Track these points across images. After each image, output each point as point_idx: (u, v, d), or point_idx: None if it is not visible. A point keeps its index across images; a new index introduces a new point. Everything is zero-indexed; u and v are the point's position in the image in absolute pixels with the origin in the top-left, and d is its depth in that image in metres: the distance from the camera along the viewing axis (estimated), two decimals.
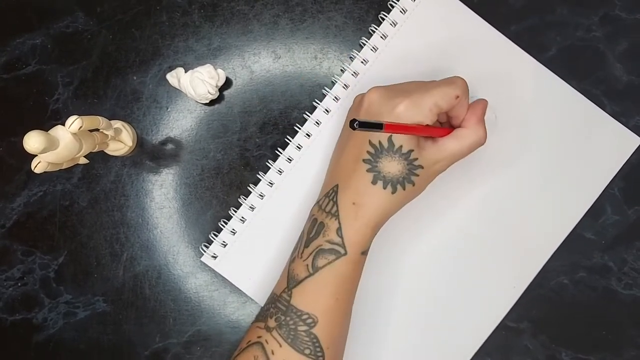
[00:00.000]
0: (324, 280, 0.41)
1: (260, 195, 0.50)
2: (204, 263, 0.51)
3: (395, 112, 0.40)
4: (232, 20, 0.51)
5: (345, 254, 0.41)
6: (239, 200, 0.50)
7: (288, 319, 0.41)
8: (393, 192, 0.41)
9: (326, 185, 0.44)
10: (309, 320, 0.41)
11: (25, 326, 0.52)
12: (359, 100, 0.44)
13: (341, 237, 0.41)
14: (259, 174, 0.50)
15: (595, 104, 0.49)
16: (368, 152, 0.41)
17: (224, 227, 0.50)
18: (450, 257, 0.50)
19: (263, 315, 0.43)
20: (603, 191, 0.50)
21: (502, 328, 0.50)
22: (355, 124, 0.34)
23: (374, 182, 0.41)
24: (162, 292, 0.51)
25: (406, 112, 0.40)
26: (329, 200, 0.43)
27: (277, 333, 0.41)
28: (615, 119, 0.49)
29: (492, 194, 0.50)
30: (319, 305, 0.41)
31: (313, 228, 0.43)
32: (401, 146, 0.41)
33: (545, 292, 0.50)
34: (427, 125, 0.41)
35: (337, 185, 0.43)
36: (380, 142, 0.41)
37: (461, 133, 0.42)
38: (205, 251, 0.51)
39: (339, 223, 0.42)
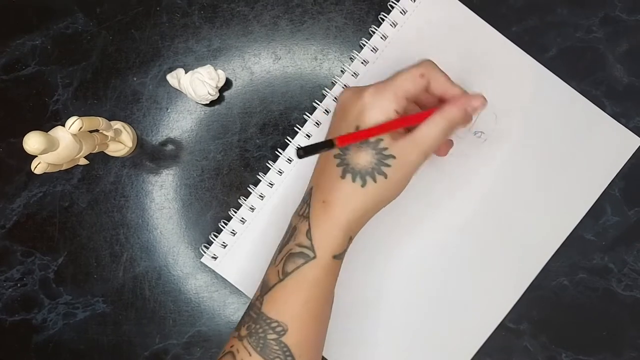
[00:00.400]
0: (292, 286, 0.39)
1: (260, 196, 0.50)
2: (204, 264, 0.51)
3: (361, 102, 0.39)
4: (232, 22, 0.51)
5: (315, 257, 0.39)
6: (239, 201, 0.50)
7: (258, 327, 0.40)
8: (363, 185, 0.39)
9: (306, 190, 0.43)
10: (279, 329, 0.39)
11: (24, 327, 0.52)
12: (335, 106, 0.43)
13: (310, 239, 0.39)
14: (259, 175, 0.50)
15: (596, 104, 0.49)
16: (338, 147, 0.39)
17: (224, 227, 0.50)
18: (450, 257, 0.50)
19: (239, 324, 0.42)
20: (603, 192, 0.49)
21: (502, 329, 0.50)
22: (301, 152, 0.31)
23: (342, 176, 0.39)
24: (162, 293, 0.51)
25: (371, 99, 0.39)
26: (304, 203, 0.41)
27: (247, 342, 0.40)
28: (616, 120, 0.49)
29: (492, 195, 0.50)
30: (288, 312, 0.39)
31: (287, 233, 0.42)
32: None
33: (545, 293, 0.50)
34: (395, 120, 0.39)
35: (312, 187, 0.41)
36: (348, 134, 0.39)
37: (432, 118, 0.39)
38: (205, 252, 0.51)
39: (309, 224, 0.40)
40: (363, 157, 0.39)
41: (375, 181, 0.39)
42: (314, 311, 0.40)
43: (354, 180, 0.39)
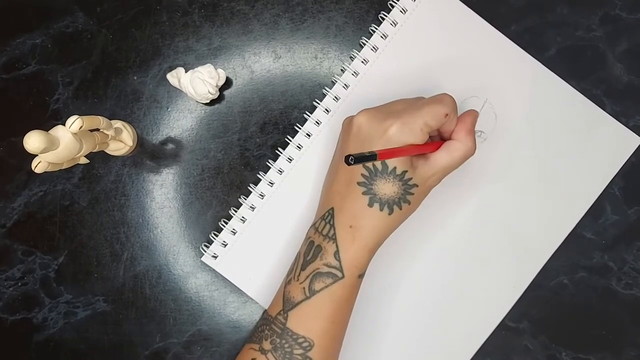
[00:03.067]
0: (320, 304, 0.41)
1: (260, 195, 0.50)
2: (205, 263, 0.51)
3: (387, 135, 0.40)
4: (233, 20, 0.51)
5: (343, 277, 0.41)
6: (240, 200, 0.50)
7: (284, 342, 0.41)
8: (390, 213, 0.41)
9: (321, 208, 0.44)
10: (305, 344, 0.41)
11: (25, 326, 0.52)
12: (348, 123, 0.44)
13: (339, 260, 0.41)
14: (259, 174, 0.50)
15: (596, 103, 0.49)
16: (362, 174, 0.41)
17: (224, 227, 0.50)
18: (450, 257, 0.50)
19: (257, 336, 0.43)
20: (603, 191, 0.50)
21: (502, 328, 0.50)
22: (351, 160, 0.34)
23: (370, 205, 0.41)
24: (163, 292, 0.51)
25: (398, 134, 0.40)
26: (325, 223, 0.43)
27: (272, 356, 0.41)
28: (616, 119, 0.49)
29: (492, 194, 0.50)
30: (315, 328, 0.41)
31: (310, 250, 0.43)
32: (395, 168, 0.41)
33: (545, 292, 0.50)
34: (420, 144, 0.41)
35: (332, 208, 0.43)
36: (374, 165, 0.41)
37: (451, 146, 0.42)
38: (205, 251, 0.51)
39: (337, 246, 0.41)
40: (390, 189, 0.41)
41: (400, 209, 0.42)
42: (338, 327, 0.43)
43: (381, 209, 0.41)
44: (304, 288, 0.42)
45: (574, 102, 0.49)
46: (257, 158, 0.51)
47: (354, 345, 0.50)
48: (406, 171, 0.41)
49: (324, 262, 0.42)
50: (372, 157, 0.36)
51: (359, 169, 0.41)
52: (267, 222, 0.50)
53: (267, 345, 0.42)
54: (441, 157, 0.42)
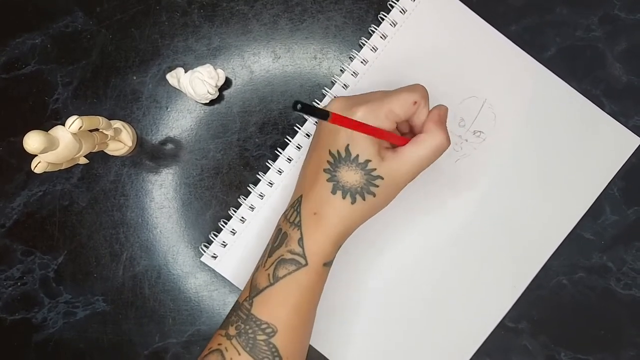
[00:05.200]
0: (284, 290, 0.41)
1: (260, 195, 0.50)
2: (204, 263, 0.51)
3: (353, 118, 0.40)
4: (232, 20, 0.51)
5: (306, 264, 0.41)
6: (239, 200, 0.50)
7: (248, 327, 0.41)
8: (352, 202, 0.41)
9: (293, 196, 0.44)
10: (269, 330, 0.41)
11: (25, 326, 0.52)
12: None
13: (302, 247, 0.41)
14: (258, 174, 0.50)
15: (595, 103, 0.49)
16: (328, 161, 0.41)
17: (223, 227, 0.50)
18: (449, 256, 0.50)
19: (225, 323, 0.43)
20: (602, 191, 0.50)
21: (502, 328, 0.50)
22: (298, 106, 0.31)
23: (333, 192, 0.41)
24: (162, 292, 0.51)
25: (363, 117, 0.40)
26: (293, 210, 0.43)
27: (236, 341, 0.41)
28: (615, 119, 0.49)
29: (491, 194, 0.50)
30: (278, 315, 0.41)
31: (277, 238, 0.43)
32: (357, 155, 0.40)
33: (544, 292, 0.50)
34: (385, 131, 0.41)
35: (301, 196, 0.43)
36: (338, 151, 0.41)
37: (419, 138, 0.41)
38: (205, 251, 0.51)
39: (301, 233, 0.41)
40: (353, 177, 0.40)
41: (364, 199, 0.41)
42: (302, 314, 0.42)
43: (344, 197, 0.41)
44: (268, 274, 0.41)
45: (573, 102, 0.49)
46: (256, 158, 0.51)
47: (352, 346, 0.50)
48: (369, 160, 0.40)
49: (288, 248, 0.41)
50: (322, 113, 0.34)
51: (325, 155, 0.41)
52: (266, 222, 0.50)
53: (232, 330, 0.42)
54: (408, 149, 0.41)
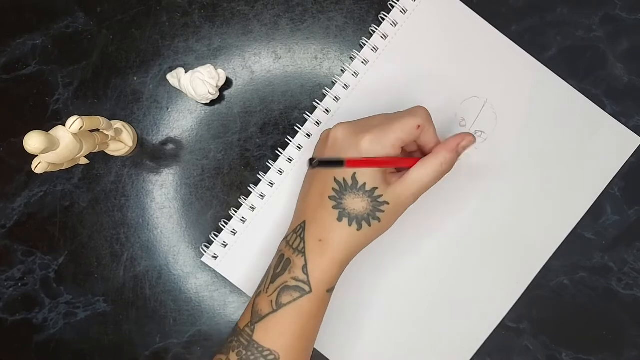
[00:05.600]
0: (287, 318, 0.41)
1: (260, 195, 0.50)
2: (205, 263, 0.51)
3: (359, 148, 0.40)
4: (233, 21, 0.51)
5: (310, 291, 0.41)
6: (240, 200, 0.50)
7: (249, 354, 0.41)
8: (359, 229, 0.41)
9: (294, 222, 0.44)
10: (271, 357, 0.41)
11: (25, 326, 0.52)
12: (325, 135, 0.44)
13: (307, 274, 0.41)
14: (259, 174, 0.50)
15: (596, 103, 0.49)
16: (333, 188, 0.41)
17: (224, 227, 0.50)
18: (450, 256, 0.50)
19: (226, 347, 0.43)
20: (603, 191, 0.50)
21: (502, 328, 0.50)
22: (314, 162, 0.33)
23: (339, 219, 0.41)
24: (163, 293, 0.51)
25: (370, 146, 0.40)
26: (296, 236, 0.43)
27: None
28: (616, 119, 0.49)
29: (492, 194, 0.50)
30: (281, 342, 0.41)
31: (280, 264, 0.43)
32: (365, 183, 0.40)
33: (545, 292, 0.50)
34: (391, 157, 0.41)
35: (304, 222, 0.43)
36: (344, 179, 0.41)
37: (424, 161, 0.42)
38: (205, 251, 0.51)
39: (305, 260, 0.41)
40: (359, 204, 0.41)
41: (369, 225, 0.41)
42: (305, 341, 0.42)
43: (350, 224, 0.41)
44: (271, 301, 0.41)
45: (574, 102, 0.49)
46: (257, 158, 0.51)
47: (352, 346, 0.50)
48: (376, 188, 0.41)
49: (292, 275, 0.41)
50: (339, 163, 0.36)
51: (330, 182, 0.41)
52: (267, 222, 0.50)
53: (233, 356, 0.41)
54: (413, 172, 0.41)
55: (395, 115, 0.42)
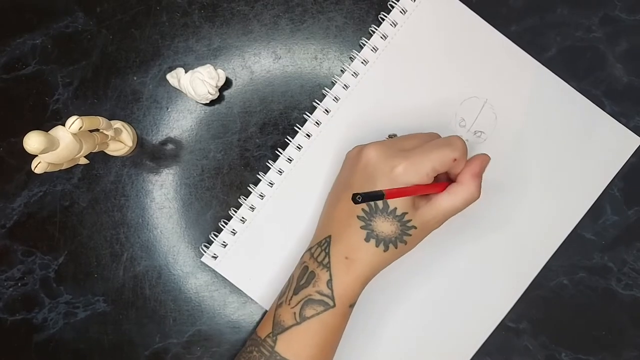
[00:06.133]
0: (310, 331, 0.41)
1: (260, 195, 0.50)
2: (204, 263, 0.51)
3: (393, 174, 0.40)
4: (232, 21, 0.51)
5: (334, 306, 0.41)
6: (239, 200, 0.50)
7: None
8: (385, 250, 0.41)
9: (319, 234, 0.44)
10: None
11: (25, 326, 0.52)
12: (356, 153, 0.44)
13: (331, 289, 0.41)
14: (259, 174, 0.50)
15: (595, 104, 0.49)
16: (363, 209, 0.41)
17: (224, 227, 0.50)
18: (449, 256, 0.50)
19: (245, 357, 0.43)
20: (603, 191, 0.50)
21: (502, 328, 0.50)
22: (358, 198, 0.34)
23: (367, 240, 0.41)
24: (162, 292, 0.51)
25: (404, 175, 0.40)
26: (321, 250, 0.43)
27: None
28: (615, 119, 0.49)
29: (491, 194, 0.50)
30: (303, 354, 0.41)
31: (304, 276, 0.43)
32: (395, 208, 0.41)
33: (545, 292, 0.50)
34: (426, 185, 0.41)
35: (329, 236, 0.43)
36: (375, 203, 0.41)
37: (454, 189, 0.42)
38: (205, 251, 0.51)
39: (330, 275, 0.42)
40: (388, 228, 0.41)
41: (396, 247, 0.42)
42: (326, 353, 0.43)
43: (377, 245, 0.41)
44: (294, 313, 0.42)
45: (574, 102, 0.49)
46: (257, 158, 0.51)
47: (353, 345, 0.50)
48: (406, 213, 0.41)
49: (317, 289, 0.42)
50: (379, 196, 0.36)
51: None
52: (267, 222, 0.50)
53: None
54: (443, 200, 0.42)
55: (432, 143, 0.42)
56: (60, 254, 0.52)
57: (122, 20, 0.51)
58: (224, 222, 0.50)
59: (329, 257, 0.42)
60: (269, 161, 0.50)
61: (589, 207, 0.50)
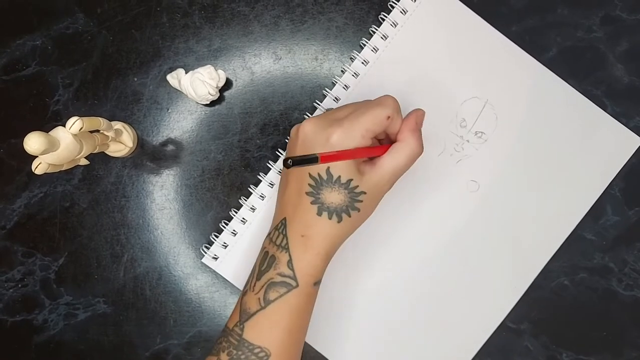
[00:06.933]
0: (276, 313, 0.41)
1: (261, 196, 0.50)
2: (205, 264, 0.51)
3: (330, 142, 0.40)
4: (233, 22, 0.51)
5: (297, 286, 0.41)
6: (240, 201, 0.50)
7: (240, 353, 0.41)
8: (339, 221, 0.41)
9: (275, 219, 0.44)
10: (262, 354, 0.41)
11: (25, 327, 0.52)
12: (294, 131, 0.44)
13: (292, 269, 0.41)
14: (259, 175, 0.50)
15: (596, 104, 0.49)
16: (309, 184, 0.41)
17: (224, 228, 0.50)
18: (450, 257, 0.50)
19: (216, 349, 0.43)
20: (603, 192, 0.50)
21: (503, 329, 0.50)
22: (289, 162, 0.34)
23: (319, 214, 0.41)
24: (163, 294, 0.51)
25: (339, 140, 0.40)
26: (278, 233, 0.43)
27: None
28: (616, 119, 0.49)
29: (492, 195, 0.50)
30: (271, 338, 0.41)
31: (265, 261, 0.43)
32: (339, 176, 0.41)
33: (545, 292, 0.50)
34: (363, 147, 0.41)
35: (285, 218, 0.43)
36: (319, 174, 0.41)
37: (395, 147, 0.42)
38: (206, 252, 0.51)
39: (289, 255, 0.41)
40: (337, 197, 0.41)
41: (349, 216, 0.42)
42: (294, 336, 0.42)
43: (330, 217, 0.41)
44: (259, 298, 0.41)
45: (574, 102, 0.49)
46: (257, 159, 0.51)
47: (352, 346, 0.50)
48: (351, 179, 0.41)
49: (278, 271, 0.41)
50: (312, 159, 0.36)
51: (306, 178, 0.41)
52: (267, 223, 0.50)
53: (224, 357, 0.41)
54: (386, 160, 0.42)
55: (363, 105, 0.42)
56: (60, 255, 0.52)
57: (123, 21, 0.51)
58: (224, 223, 0.50)
59: (287, 238, 0.42)
60: (270, 162, 0.50)
61: (590, 207, 0.50)
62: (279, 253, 0.42)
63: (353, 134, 0.40)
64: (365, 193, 0.41)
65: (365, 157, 0.42)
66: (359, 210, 0.42)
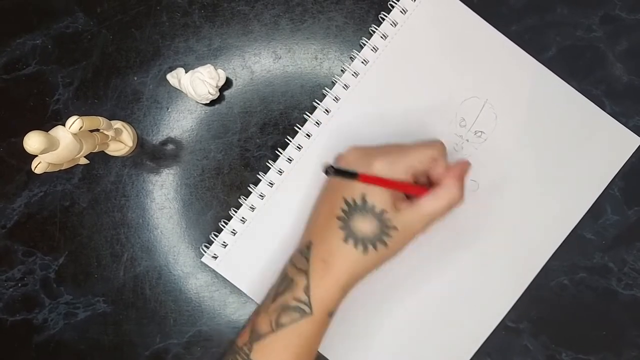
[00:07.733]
0: (286, 339, 0.41)
1: (260, 195, 0.50)
2: (205, 263, 0.51)
3: (372, 168, 0.40)
4: (233, 21, 0.51)
5: (311, 313, 0.41)
6: (240, 200, 0.50)
7: None
8: (364, 252, 0.41)
9: (301, 242, 0.44)
10: None
11: (25, 327, 0.52)
12: (336, 159, 0.44)
13: (308, 295, 0.41)
14: (259, 174, 0.50)
15: (595, 104, 0.49)
16: (342, 209, 0.41)
17: (224, 227, 0.50)
18: (450, 256, 0.50)
19: None
20: (603, 191, 0.50)
21: (502, 328, 0.50)
22: (329, 168, 0.34)
23: (345, 240, 0.41)
24: (163, 293, 0.51)
25: (382, 169, 0.40)
26: (302, 256, 0.42)
27: None
28: (615, 119, 0.49)
29: (491, 194, 0.50)
30: None
31: (282, 283, 0.42)
32: (374, 205, 0.40)
33: (545, 292, 0.50)
34: (403, 181, 0.41)
35: (310, 242, 0.42)
36: (354, 200, 0.40)
37: (437, 191, 0.41)
38: (205, 251, 0.51)
39: (308, 280, 0.41)
40: (367, 227, 0.40)
41: (375, 249, 0.41)
42: None
43: (355, 246, 0.40)
44: (271, 321, 0.41)
45: (573, 102, 0.49)
46: (257, 158, 0.51)
47: (352, 345, 0.50)
48: (386, 211, 0.40)
49: (294, 296, 0.41)
50: (352, 174, 0.36)
51: (339, 202, 0.41)
52: (267, 222, 0.50)
53: None
54: (425, 202, 0.41)
55: (412, 144, 0.42)
56: (60, 254, 0.52)
57: (123, 20, 0.51)
58: (224, 222, 0.50)
59: (308, 262, 0.41)
60: (269, 161, 0.50)
61: (589, 206, 0.50)
62: (298, 277, 0.41)
63: (397, 167, 0.40)
64: (396, 229, 0.40)
65: (403, 191, 0.41)
66: (386, 245, 0.41)
